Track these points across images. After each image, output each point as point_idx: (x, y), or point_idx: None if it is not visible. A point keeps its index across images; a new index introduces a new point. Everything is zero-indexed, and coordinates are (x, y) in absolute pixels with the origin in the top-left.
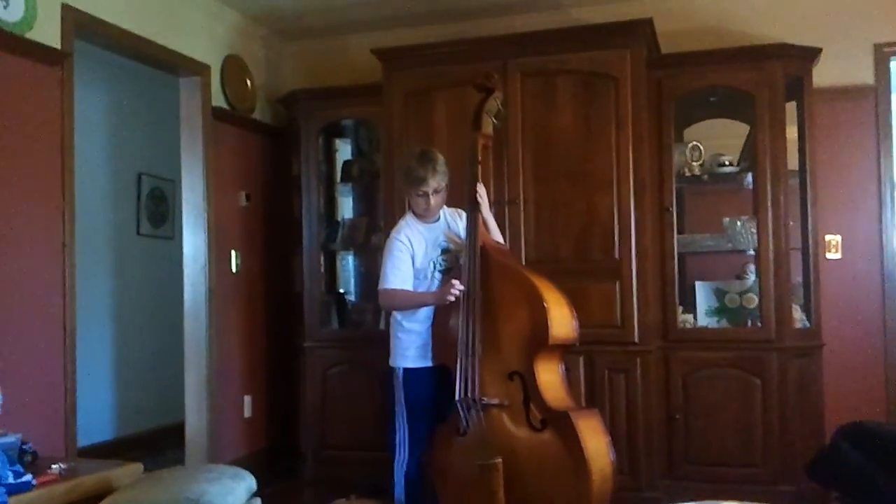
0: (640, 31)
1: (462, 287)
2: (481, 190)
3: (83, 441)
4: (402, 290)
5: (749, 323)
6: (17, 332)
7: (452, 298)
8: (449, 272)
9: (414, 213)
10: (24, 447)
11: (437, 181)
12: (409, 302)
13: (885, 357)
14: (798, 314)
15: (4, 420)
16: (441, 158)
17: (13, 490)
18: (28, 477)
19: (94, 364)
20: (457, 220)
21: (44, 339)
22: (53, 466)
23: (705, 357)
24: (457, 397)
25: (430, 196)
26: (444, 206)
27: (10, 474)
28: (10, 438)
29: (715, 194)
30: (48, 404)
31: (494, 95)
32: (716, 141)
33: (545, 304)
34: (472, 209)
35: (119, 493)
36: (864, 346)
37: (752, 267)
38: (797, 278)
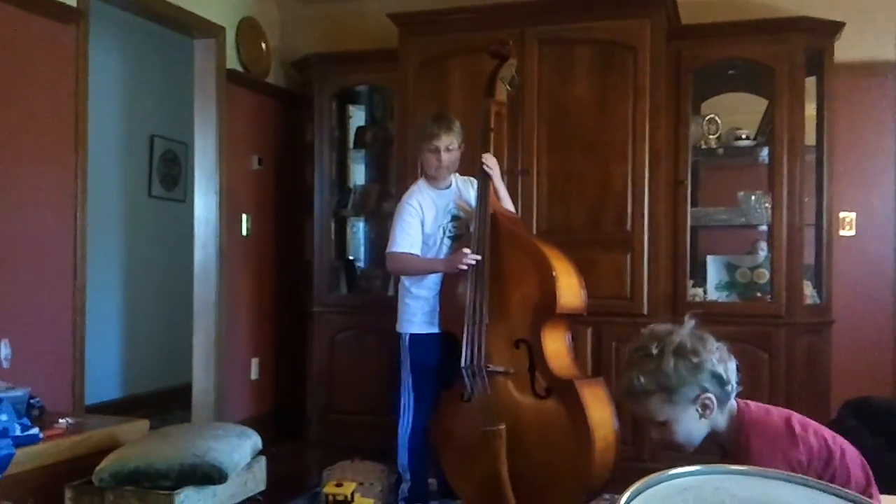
0: (660, 0)
1: (477, 257)
2: (490, 159)
3: (90, 399)
4: (411, 254)
5: (759, 298)
6: (28, 288)
7: (464, 267)
8: (458, 239)
9: (426, 176)
10: (31, 401)
11: (449, 139)
12: (418, 267)
13: (894, 334)
14: (809, 290)
15: (13, 374)
16: (456, 122)
17: (20, 442)
18: (35, 430)
19: (103, 323)
20: (468, 189)
21: (54, 296)
22: (60, 421)
23: (714, 331)
24: (462, 364)
25: (442, 153)
26: (457, 174)
27: (18, 427)
28: (18, 392)
29: (730, 168)
30: (57, 360)
31: (509, 62)
32: (733, 115)
33: (554, 273)
34: (483, 176)
35: (125, 448)
36: (875, 324)
37: (762, 242)
38: (810, 254)
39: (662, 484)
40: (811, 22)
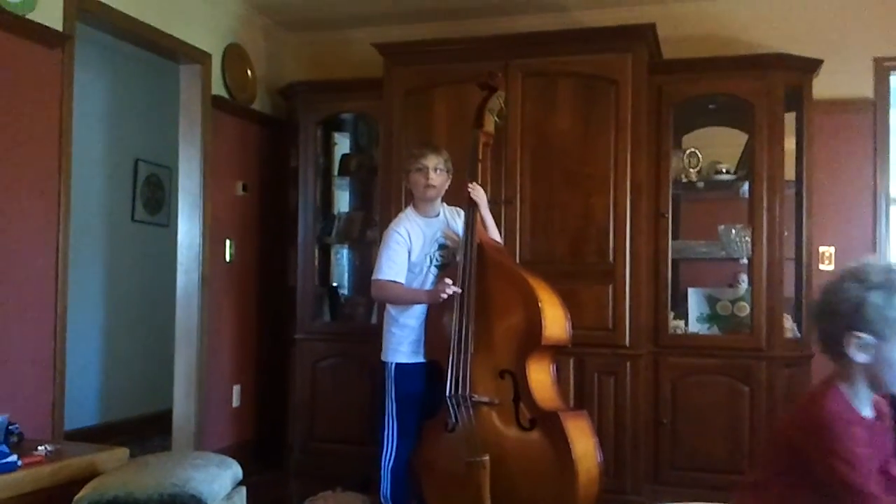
0: (642, 35)
1: (456, 288)
2: (477, 189)
3: (69, 425)
4: (395, 282)
5: (740, 331)
6: (8, 313)
7: (445, 297)
8: (445, 268)
9: (413, 205)
10: (10, 428)
11: (437, 160)
12: (402, 296)
13: None
14: (789, 324)
15: None
16: (444, 150)
17: None
18: (13, 457)
19: (84, 348)
20: (456, 219)
21: (34, 322)
22: (39, 448)
23: (695, 363)
24: (447, 393)
25: (430, 172)
26: (445, 204)
27: None
28: None
29: (711, 202)
30: (37, 386)
31: (497, 94)
32: (714, 149)
33: (540, 305)
34: (470, 206)
35: (105, 477)
36: None
37: (743, 275)
38: (790, 288)
39: None
40: (790, 59)
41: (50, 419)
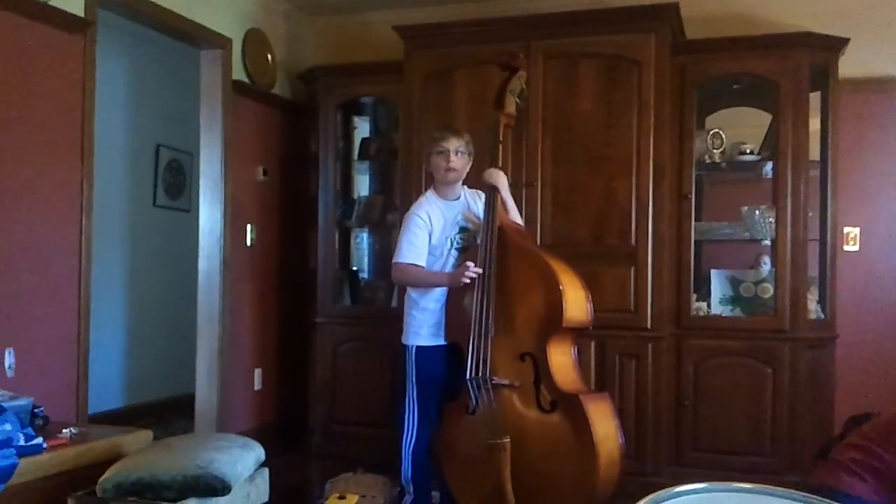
0: (665, 15)
1: (478, 270)
2: (496, 173)
3: (93, 408)
4: (416, 265)
5: (763, 313)
6: (33, 298)
7: (467, 281)
8: (465, 251)
9: (434, 188)
10: (35, 411)
11: (459, 142)
12: (423, 279)
13: None
14: (813, 305)
15: (17, 383)
16: (466, 133)
17: (24, 452)
18: (39, 440)
19: (107, 332)
20: (477, 202)
21: (58, 306)
22: (64, 430)
23: (717, 345)
24: (468, 376)
25: (451, 155)
26: (466, 187)
27: (22, 437)
28: (22, 402)
29: (734, 182)
30: (61, 369)
31: (519, 74)
32: (738, 129)
33: (561, 287)
34: (491, 188)
35: (129, 459)
36: (879, 339)
37: (766, 257)
38: (814, 269)
39: (669, 501)
40: (815, 38)
41: (74, 402)
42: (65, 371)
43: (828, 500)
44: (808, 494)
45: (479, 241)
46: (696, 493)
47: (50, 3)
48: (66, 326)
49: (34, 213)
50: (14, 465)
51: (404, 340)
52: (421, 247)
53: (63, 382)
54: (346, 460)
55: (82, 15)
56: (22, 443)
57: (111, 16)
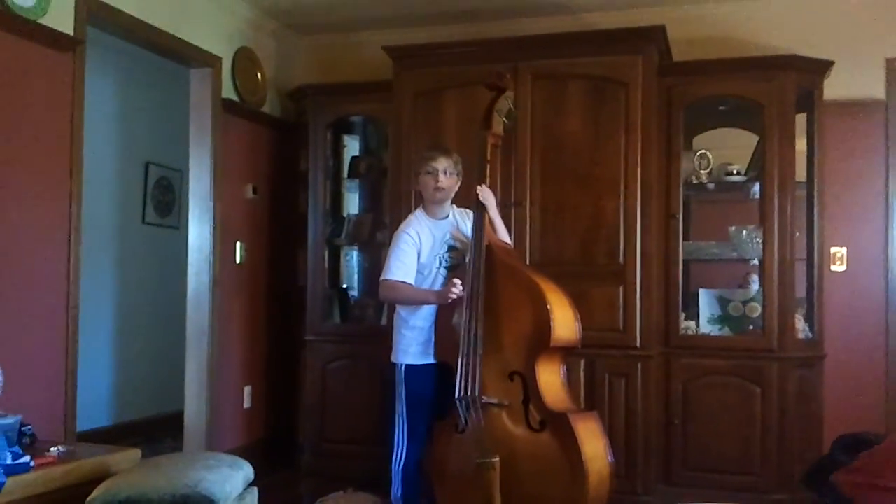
0: (652, 37)
1: (463, 289)
2: (485, 191)
3: (81, 426)
4: (404, 283)
5: (751, 332)
6: (21, 314)
7: (453, 297)
8: (454, 270)
9: (423, 206)
10: (23, 429)
11: (448, 162)
12: (410, 297)
13: (886, 370)
14: (801, 325)
15: (4, 402)
16: (455, 152)
17: (11, 471)
18: (26, 458)
19: (96, 350)
20: (465, 220)
21: (47, 323)
22: (52, 449)
23: (706, 364)
24: (457, 395)
25: (440, 174)
26: (454, 206)
27: (9, 455)
28: (10, 420)
29: (722, 203)
30: (49, 387)
31: (506, 95)
32: (724, 150)
33: (549, 306)
34: (479, 208)
35: (117, 478)
36: (866, 359)
37: (754, 276)
38: (801, 289)
39: None
40: (801, 61)
41: (62, 420)
42: (53, 389)
43: None
44: None
45: (467, 260)
46: None
47: (39, 21)
48: (55, 344)
49: (22, 230)
50: (1, 484)
51: (393, 359)
52: (409, 264)
53: (51, 400)
54: (336, 479)
55: (71, 33)
56: (9, 461)
57: (101, 34)
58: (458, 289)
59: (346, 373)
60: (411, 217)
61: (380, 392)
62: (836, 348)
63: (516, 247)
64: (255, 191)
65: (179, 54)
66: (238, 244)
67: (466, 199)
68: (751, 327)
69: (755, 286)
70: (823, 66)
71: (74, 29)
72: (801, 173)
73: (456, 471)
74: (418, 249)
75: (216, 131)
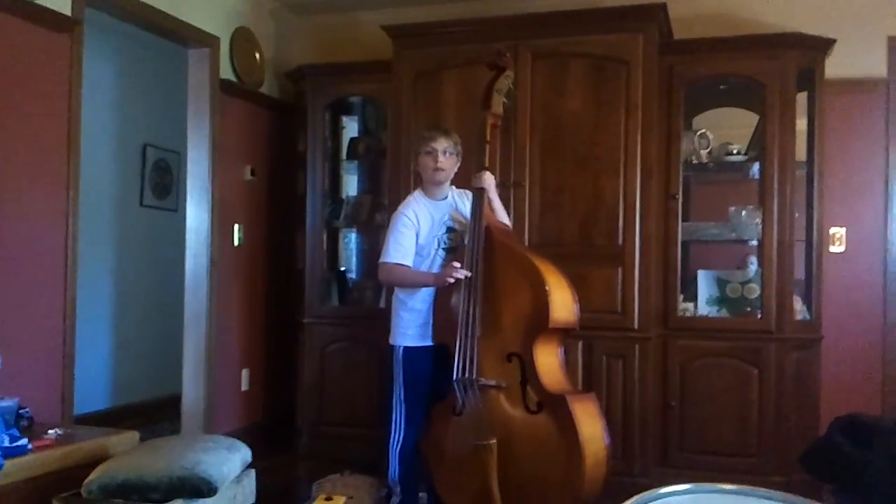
0: (653, 15)
1: (465, 272)
2: (485, 172)
3: (79, 409)
4: (402, 265)
5: (749, 313)
6: (18, 297)
7: (452, 281)
8: (453, 251)
9: (422, 188)
10: (21, 412)
11: (448, 143)
12: (409, 279)
13: (883, 351)
14: (799, 306)
15: (2, 384)
16: (455, 133)
17: (9, 453)
18: (24, 441)
19: (93, 333)
20: (464, 201)
21: (44, 306)
22: (50, 431)
23: (704, 346)
24: (454, 377)
25: (439, 154)
26: (453, 187)
27: (7, 438)
28: (8, 403)
29: (721, 183)
30: (46, 370)
31: (506, 74)
32: (725, 130)
33: (547, 288)
34: (478, 189)
35: (114, 460)
36: (864, 340)
37: (753, 257)
38: (800, 270)
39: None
40: (802, 38)
41: (60, 403)
42: (50, 372)
43: (808, 500)
44: (788, 494)
45: (466, 242)
46: (681, 494)
47: (37, 1)
48: (52, 327)
49: (19, 212)
50: None
51: (392, 341)
52: (408, 246)
53: (49, 383)
54: (333, 461)
55: (69, 14)
56: (7, 444)
57: (98, 14)
58: (458, 272)
59: (345, 355)
60: (410, 198)
61: (378, 375)
62: (834, 330)
63: (516, 228)
64: (253, 172)
65: (177, 34)
66: (236, 226)
67: (466, 179)
68: (749, 309)
69: (754, 267)
70: (825, 45)
71: (72, 10)
72: (801, 153)
73: (453, 452)
74: (417, 231)
75: (214, 112)
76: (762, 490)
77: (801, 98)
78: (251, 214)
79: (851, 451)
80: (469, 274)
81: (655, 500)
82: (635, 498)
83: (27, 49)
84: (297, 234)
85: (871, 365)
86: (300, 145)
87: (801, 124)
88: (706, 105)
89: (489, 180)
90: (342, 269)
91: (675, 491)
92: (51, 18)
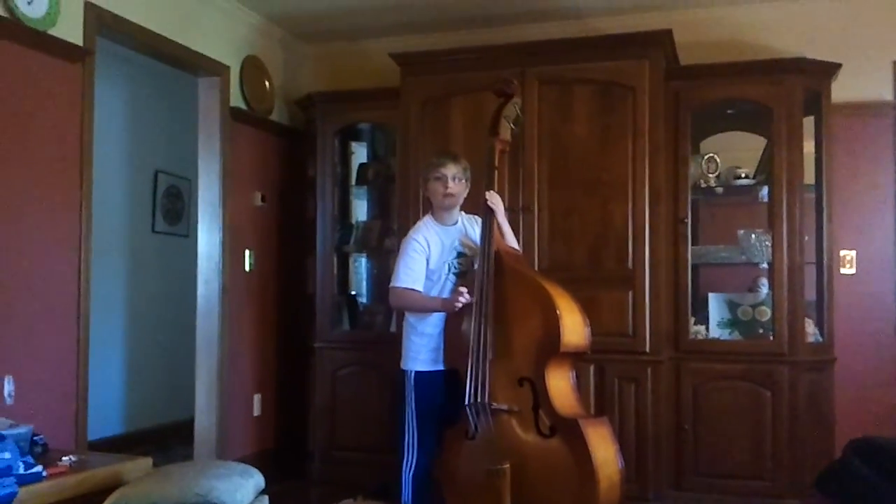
0: (658, 41)
1: (469, 297)
2: (494, 197)
3: (93, 435)
4: (412, 290)
5: (761, 336)
6: (32, 325)
7: (459, 306)
8: (463, 276)
9: (432, 213)
10: (35, 439)
11: (457, 168)
12: (418, 304)
13: None
14: (811, 328)
15: (17, 411)
16: (464, 159)
17: (24, 481)
18: (39, 468)
19: (106, 359)
20: (474, 226)
21: (57, 333)
22: (64, 458)
23: (716, 369)
24: (466, 401)
25: (449, 181)
26: (463, 213)
27: (21, 465)
28: (22, 430)
29: (730, 206)
30: (60, 397)
31: (513, 101)
32: (732, 153)
33: (558, 312)
34: (487, 213)
35: (128, 487)
36: (877, 362)
37: (764, 280)
38: (811, 292)
39: None
40: (808, 63)
41: (74, 429)
42: (64, 398)
43: None
44: None
45: (476, 266)
46: None
47: (49, 32)
48: (65, 353)
49: (33, 239)
50: (14, 495)
51: (403, 365)
52: (418, 271)
53: (62, 409)
54: (346, 486)
55: (80, 44)
56: (21, 471)
57: (109, 44)
58: (464, 297)
59: (356, 380)
60: (420, 223)
61: (390, 399)
62: (847, 351)
63: (524, 252)
64: (263, 198)
65: (187, 63)
66: (247, 252)
67: (474, 205)
68: (760, 331)
69: (764, 290)
70: (831, 69)
71: (84, 39)
72: (809, 176)
73: (466, 477)
74: (427, 256)
75: (224, 139)
76: None
77: (809, 122)
78: (262, 240)
79: (867, 474)
80: (472, 298)
81: None
82: None
83: (39, 79)
84: (308, 259)
85: (885, 386)
86: (310, 171)
87: (809, 147)
88: (714, 129)
89: (498, 204)
90: (353, 293)
91: None
92: (63, 48)
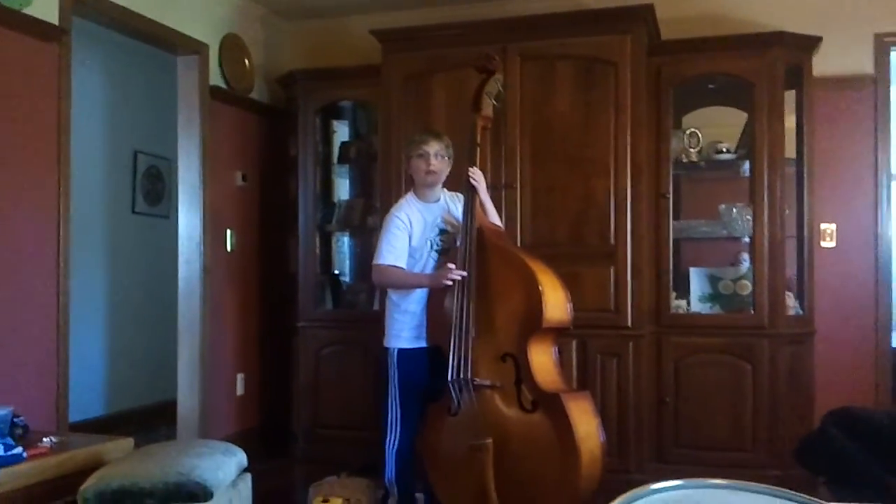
0: (640, 16)
1: (462, 273)
2: (476, 173)
3: (74, 417)
4: (396, 267)
5: (742, 309)
6: (11, 306)
7: (449, 283)
8: (446, 253)
9: (414, 190)
10: (15, 420)
11: (439, 146)
12: (403, 281)
13: (875, 344)
14: (791, 301)
15: None
16: (446, 136)
17: (4, 462)
18: (19, 449)
19: (87, 339)
20: (456, 204)
21: (37, 314)
22: (45, 440)
23: (697, 342)
24: (449, 377)
25: (431, 158)
26: (445, 190)
27: (1, 447)
28: (2, 411)
29: (712, 181)
30: (40, 378)
31: (495, 77)
32: (714, 128)
33: (540, 288)
34: (469, 190)
35: (110, 467)
36: (856, 334)
37: (745, 254)
38: (791, 266)
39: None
40: (789, 37)
41: (54, 411)
42: (44, 379)
43: (799, 494)
44: (778, 488)
45: (458, 244)
46: (672, 489)
47: (24, 11)
48: (46, 335)
49: (11, 221)
50: None
51: (386, 343)
52: (401, 248)
53: (43, 391)
54: (329, 464)
55: (56, 23)
56: (2, 452)
57: (86, 23)
58: (455, 274)
59: (339, 358)
60: (402, 201)
61: (373, 377)
62: (827, 324)
63: (507, 229)
64: (244, 178)
65: (165, 42)
66: (228, 232)
67: (457, 182)
68: (741, 305)
69: (745, 264)
70: (812, 43)
71: (59, 18)
72: (790, 150)
73: (449, 453)
74: (409, 233)
75: (204, 119)
76: (753, 484)
77: (790, 96)
78: (243, 220)
79: (845, 444)
80: (465, 275)
81: (646, 496)
82: (626, 495)
83: (15, 58)
84: (290, 238)
85: (864, 358)
86: (291, 150)
87: (790, 122)
88: (695, 104)
89: (480, 181)
90: (335, 272)
91: (666, 487)
92: (38, 28)
